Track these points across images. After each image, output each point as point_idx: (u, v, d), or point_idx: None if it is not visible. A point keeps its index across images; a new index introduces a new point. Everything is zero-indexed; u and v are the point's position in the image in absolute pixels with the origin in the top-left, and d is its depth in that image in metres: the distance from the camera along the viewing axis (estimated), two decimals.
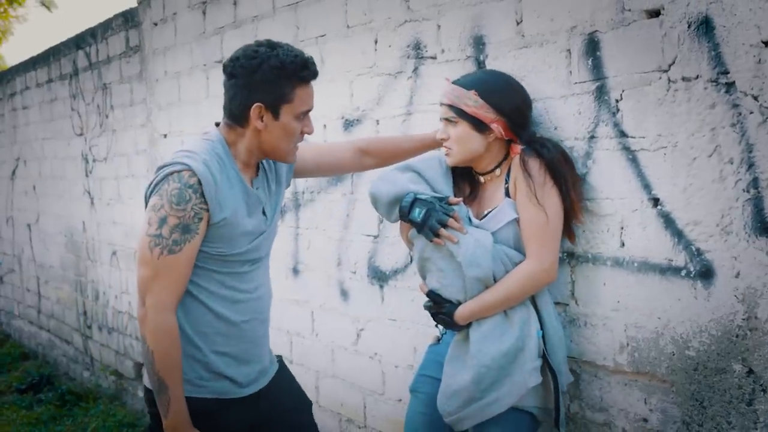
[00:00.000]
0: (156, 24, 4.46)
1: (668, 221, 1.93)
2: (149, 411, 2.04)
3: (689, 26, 1.84)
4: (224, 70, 1.99)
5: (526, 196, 2.03)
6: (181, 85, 4.26)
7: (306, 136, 2.04)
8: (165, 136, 4.48)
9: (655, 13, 1.92)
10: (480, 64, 2.42)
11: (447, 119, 2.14)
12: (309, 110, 2.01)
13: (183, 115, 4.25)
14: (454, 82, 2.16)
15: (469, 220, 2.13)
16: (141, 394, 5.11)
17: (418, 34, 2.66)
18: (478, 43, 2.43)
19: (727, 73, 1.78)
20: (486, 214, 2.13)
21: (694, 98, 1.85)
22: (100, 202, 5.56)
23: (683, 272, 1.90)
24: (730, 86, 1.77)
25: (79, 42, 5.70)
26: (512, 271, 2.06)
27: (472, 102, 2.08)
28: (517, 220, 2.08)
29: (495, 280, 2.06)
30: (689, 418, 1.91)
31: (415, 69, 2.69)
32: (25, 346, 7.40)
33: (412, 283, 2.72)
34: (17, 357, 7.07)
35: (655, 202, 1.96)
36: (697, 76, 1.84)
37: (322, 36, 3.11)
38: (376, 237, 2.93)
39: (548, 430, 2.15)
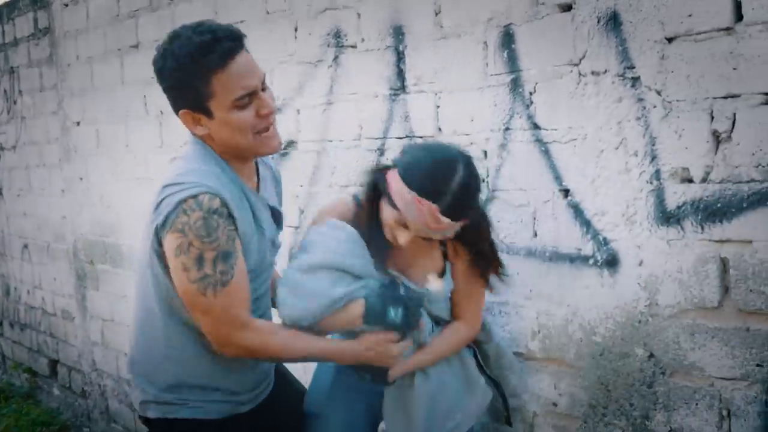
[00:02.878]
0: (66, 5, 4.29)
1: (577, 211, 1.98)
2: None
3: (599, 21, 1.89)
4: None
5: (470, 267, 1.90)
6: (94, 71, 4.11)
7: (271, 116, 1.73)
8: (78, 123, 4.32)
9: (567, 8, 1.97)
10: (400, 54, 2.43)
11: (400, 224, 1.78)
12: (249, 93, 1.66)
13: (97, 102, 4.11)
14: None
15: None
16: (57, 392, 4.95)
17: (339, 22, 2.64)
18: (398, 33, 2.44)
19: (633, 67, 1.84)
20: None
21: (603, 92, 1.90)
22: (10, 193, 5.33)
23: (591, 261, 1.96)
24: (635, 81, 1.84)
25: None
26: (448, 335, 1.95)
27: (434, 221, 1.72)
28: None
29: None
30: (595, 402, 1.98)
31: (336, 58, 2.68)
32: None
33: None
34: None
35: (566, 193, 2.01)
36: (606, 71, 1.89)
37: (242, 22, 3.05)
38: (297, 228, 2.91)
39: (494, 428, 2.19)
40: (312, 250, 1.86)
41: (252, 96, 1.67)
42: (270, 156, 1.95)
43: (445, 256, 1.95)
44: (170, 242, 1.64)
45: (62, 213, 4.60)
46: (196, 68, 1.63)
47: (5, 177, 5.38)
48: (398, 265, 1.92)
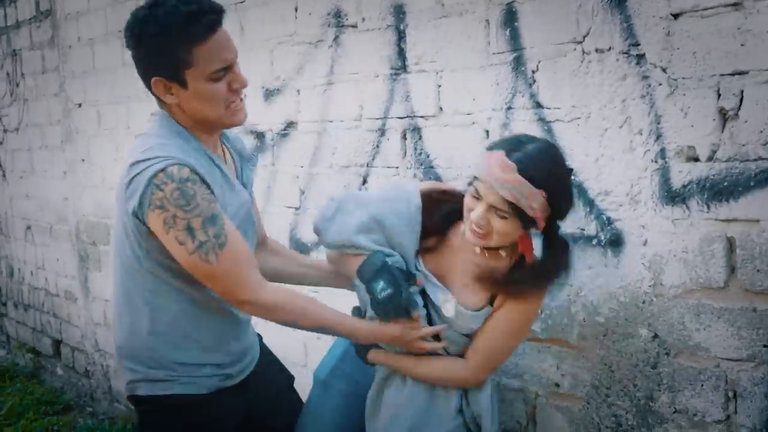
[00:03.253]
0: None
1: (581, 191, 1.96)
2: (137, 410, 1.90)
3: None
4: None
5: (509, 319, 1.79)
6: (95, 52, 4.09)
7: (243, 91, 1.80)
8: (80, 105, 4.31)
9: None
10: (400, 33, 2.40)
11: (495, 208, 1.68)
12: (224, 67, 1.71)
13: (98, 83, 4.09)
14: (518, 169, 1.64)
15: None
16: (60, 371, 4.97)
17: (339, 2, 2.61)
18: (399, 12, 2.40)
19: (638, 45, 1.81)
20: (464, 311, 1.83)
21: (607, 70, 1.87)
22: (13, 174, 5.33)
23: (594, 241, 1.94)
24: (640, 58, 1.80)
25: None
26: (444, 361, 1.85)
27: (537, 205, 1.66)
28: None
29: None
30: (598, 382, 1.97)
31: (336, 38, 2.65)
32: None
33: None
34: None
35: (569, 172, 1.98)
36: (610, 48, 1.86)
37: (242, 2, 3.02)
38: (297, 209, 2.90)
39: None
40: (380, 191, 1.90)
41: (227, 70, 1.72)
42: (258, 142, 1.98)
43: (491, 302, 1.83)
44: (155, 220, 1.65)
45: (64, 195, 4.59)
46: (180, 37, 1.65)
47: (8, 159, 5.37)
48: (439, 268, 1.86)
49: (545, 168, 1.69)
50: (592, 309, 1.96)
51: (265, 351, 2.11)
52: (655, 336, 1.84)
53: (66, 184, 4.55)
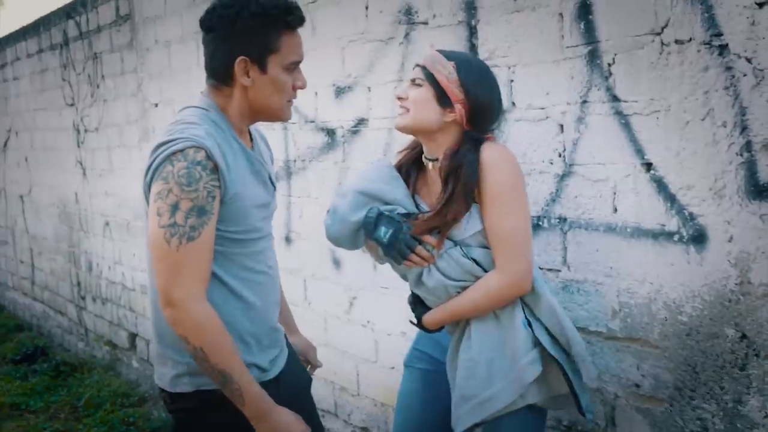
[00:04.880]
0: None
1: (661, 186, 1.91)
2: (170, 410, 1.89)
3: None
4: (201, 25, 1.82)
5: (491, 201, 1.87)
6: (171, 54, 4.20)
7: (299, 91, 1.86)
8: (156, 105, 4.44)
9: None
10: (472, 29, 2.39)
11: (414, 79, 1.97)
12: (299, 61, 1.82)
13: (174, 83, 4.20)
14: (438, 50, 1.99)
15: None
16: (135, 364, 5.14)
17: None
18: (470, 8, 2.39)
19: (721, 35, 1.75)
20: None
21: (687, 61, 1.82)
22: (92, 172, 5.52)
23: (676, 237, 1.88)
24: (723, 49, 1.74)
25: (69, 11, 5.63)
26: (480, 284, 1.90)
27: (446, 72, 1.91)
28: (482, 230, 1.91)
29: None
30: (682, 384, 1.91)
31: (407, 35, 2.65)
32: (19, 318, 7.40)
33: None
34: (12, 328, 7.06)
35: (648, 166, 1.93)
36: (690, 39, 1.81)
37: (313, 2, 3.06)
38: None
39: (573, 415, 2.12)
40: (351, 178, 2.05)
41: (297, 65, 1.84)
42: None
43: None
44: (153, 191, 1.68)
45: (141, 192, 4.72)
46: (277, 21, 1.77)
47: (88, 157, 5.57)
48: (430, 200, 2.01)
49: (461, 54, 2.05)
50: (674, 307, 1.90)
51: (290, 349, 2.08)
52: (743, 336, 1.77)
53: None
